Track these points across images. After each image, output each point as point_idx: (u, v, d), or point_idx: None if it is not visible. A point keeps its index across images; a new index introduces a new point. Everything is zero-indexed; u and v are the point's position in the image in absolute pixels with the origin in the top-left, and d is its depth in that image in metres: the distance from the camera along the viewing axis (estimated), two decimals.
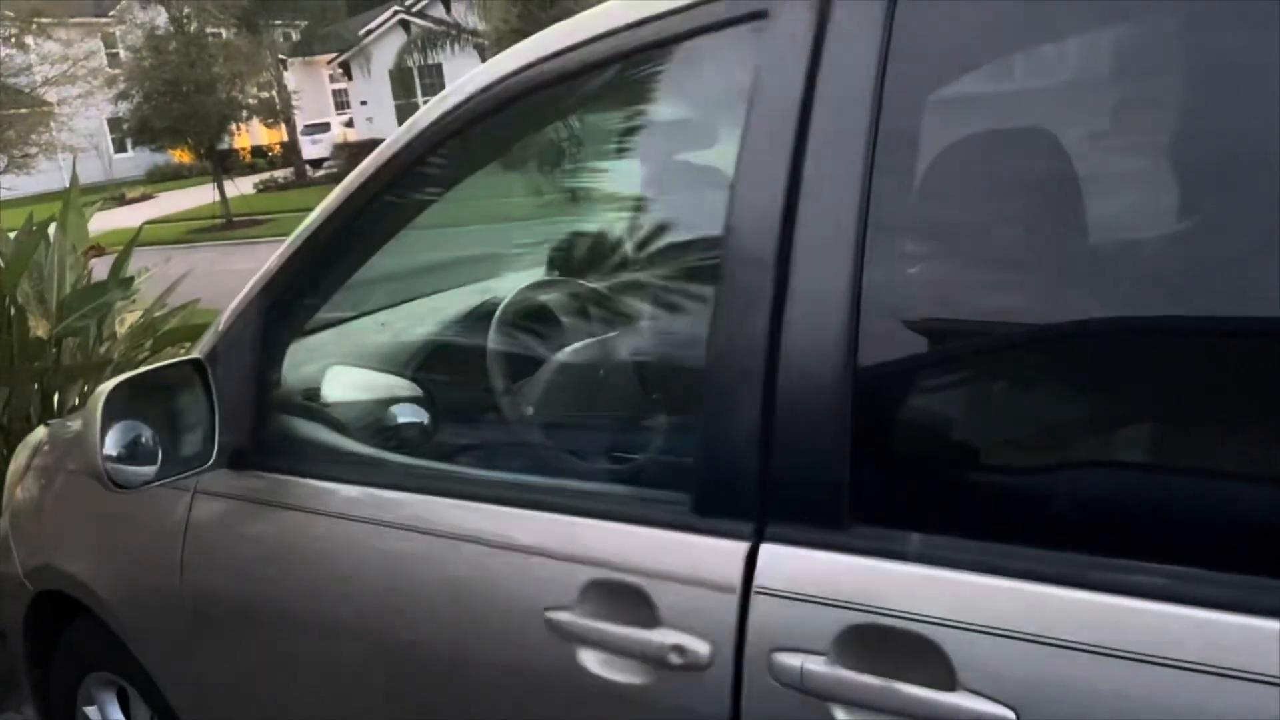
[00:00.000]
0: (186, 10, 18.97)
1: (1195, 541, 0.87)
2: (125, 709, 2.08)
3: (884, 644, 0.96)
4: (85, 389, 3.70)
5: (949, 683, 0.92)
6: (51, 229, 4.01)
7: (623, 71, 1.35)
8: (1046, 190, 1.05)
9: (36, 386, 3.57)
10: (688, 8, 1.19)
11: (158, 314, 4.08)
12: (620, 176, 1.78)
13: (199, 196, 21.46)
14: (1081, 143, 1.09)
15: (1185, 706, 0.82)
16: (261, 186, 24.45)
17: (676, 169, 1.63)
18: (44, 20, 17.64)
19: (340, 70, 32.29)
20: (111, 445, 1.49)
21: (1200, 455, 0.94)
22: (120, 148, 30.69)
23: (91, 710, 2.12)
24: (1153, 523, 0.91)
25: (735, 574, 1.06)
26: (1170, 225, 1.03)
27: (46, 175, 19.42)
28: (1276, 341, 0.89)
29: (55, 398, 3.65)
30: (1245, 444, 0.91)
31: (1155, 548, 0.88)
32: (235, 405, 1.59)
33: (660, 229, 1.67)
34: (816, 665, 0.99)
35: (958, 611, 0.93)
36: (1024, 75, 1.14)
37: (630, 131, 1.63)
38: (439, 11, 28.71)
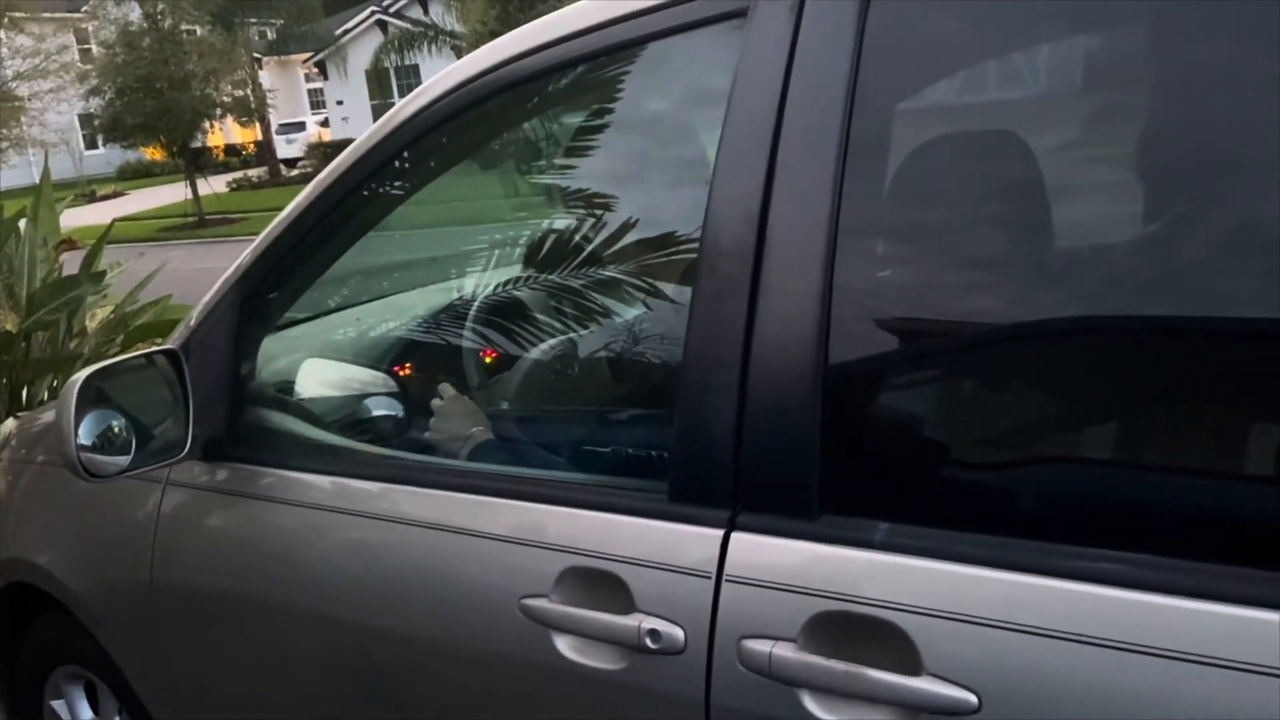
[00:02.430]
0: (161, 6, 18.78)
1: (1155, 529, 0.90)
2: (94, 703, 2.07)
3: (851, 630, 0.98)
4: (54, 383, 3.67)
5: (914, 667, 0.94)
6: (22, 223, 3.98)
7: (601, 69, 1.36)
8: (1013, 192, 1.08)
9: (5, 380, 3.54)
10: (667, 5, 1.21)
11: (129, 309, 4.05)
12: (597, 173, 1.79)
13: (171, 194, 21.27)
14: (1049, 146, 1.11)
15: (1145, 690, 0.85)
16: (235, 185, 24.24)
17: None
18: (16, 14, 17.43)
19: (316, 70, 32.12)
20: (85, 434, 1.49)
21: (1159, 448, 0.96)
22: (91, 144, 30.33)
23: (59, 704, 2.10)
24: (1113, 512, 0.93)
25: (710, 560, 1.07)
26: (1133, 229, 1.06)
27: (16, 171, 19.17)
28: (1230, 341, 0.92)
29: (24, 391, 3.62)
30: (1202, 437, 0.94)
31: (1115, 535, 0.90)
32: (209, 396, 1.59)
33: (636, 225, 1.69)
34: (785, 652, 1.01)
35: (923, 598, 0.95)
36: (995, 79, 1.17)
37: (607, 128, 1.64)
38: (416, 12, 28.67)
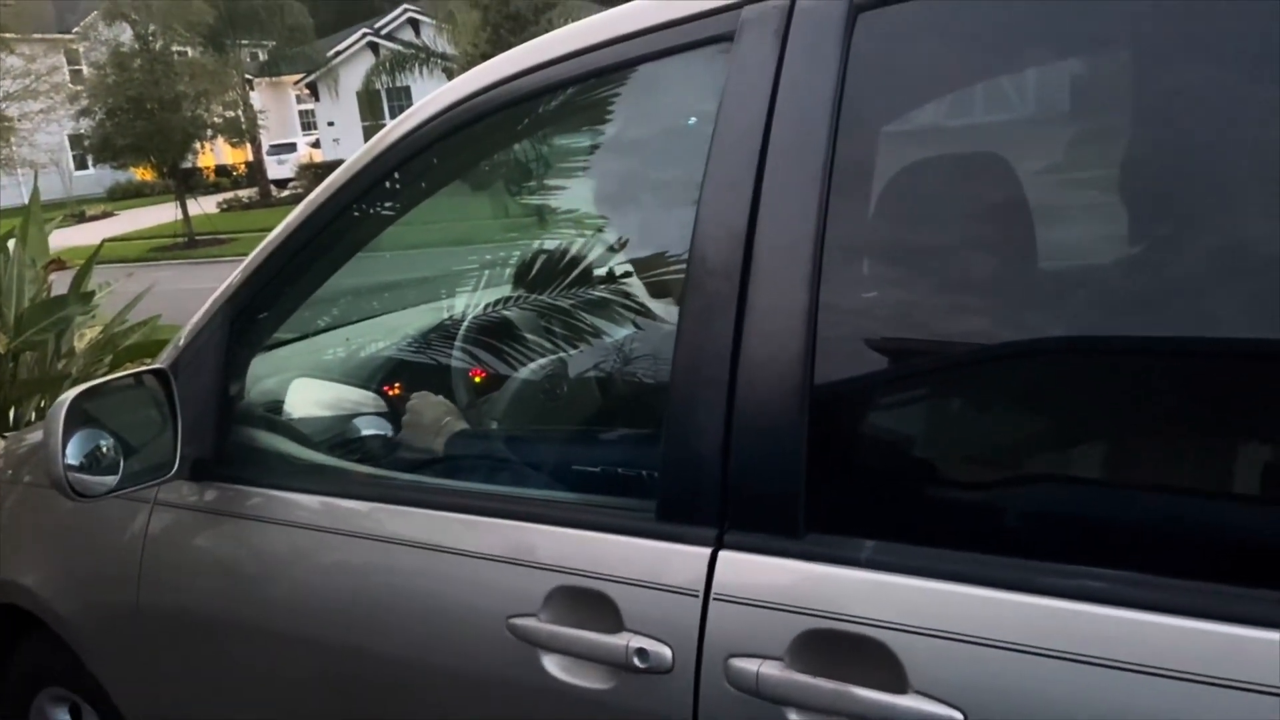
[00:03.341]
0: (152, 28, 18.82)
1: (1138, 547, 0.91)
2: None
3: (838, 648, 0.99)
4: (42, 404, 3.66)
5: (900, 685, 0.94)
6: (11, 243, 3.97)
7: (590, 91, 1.38)
8: (995, 213, 1.09)
9: None
10: (655, 29, 1.22)
11: (117, 329, 4.04)
12: (585, 195, 1.80)
13: (161, 215, 21.23)
14: (1030, 168, 1.13)
15: (1130, 707, 0.85)
16: (225, 206, 24.26)
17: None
18: (6, 35, 17.45)
19: (307, 91, 32.18)
20: (73, 454, 1.48)
21: (1141, 466, 0.97)
22: (81, 165, 30.27)
23: None
24: (1096, 529, 0.94)
25: (698, 579, 1.08)
26: (1114, 250, 1.07)
27: (5, 191, 19.12)
28: (1211, 360, 0.93)
29: (11, 412, 3.60)
30: (1184, 455, 0.95)
31: (1099, 553, 0.91)
32: (198, 416, 1.59)
33: (624, 246, 1.70)
34: (772, 670, 1.01)
35: (909, 616, 0.95)
36: (977, 102, 1.18)
37: (596, 150, 1.65)
38: (408, 34, 28.79)
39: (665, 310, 1.50)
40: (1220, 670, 0.82)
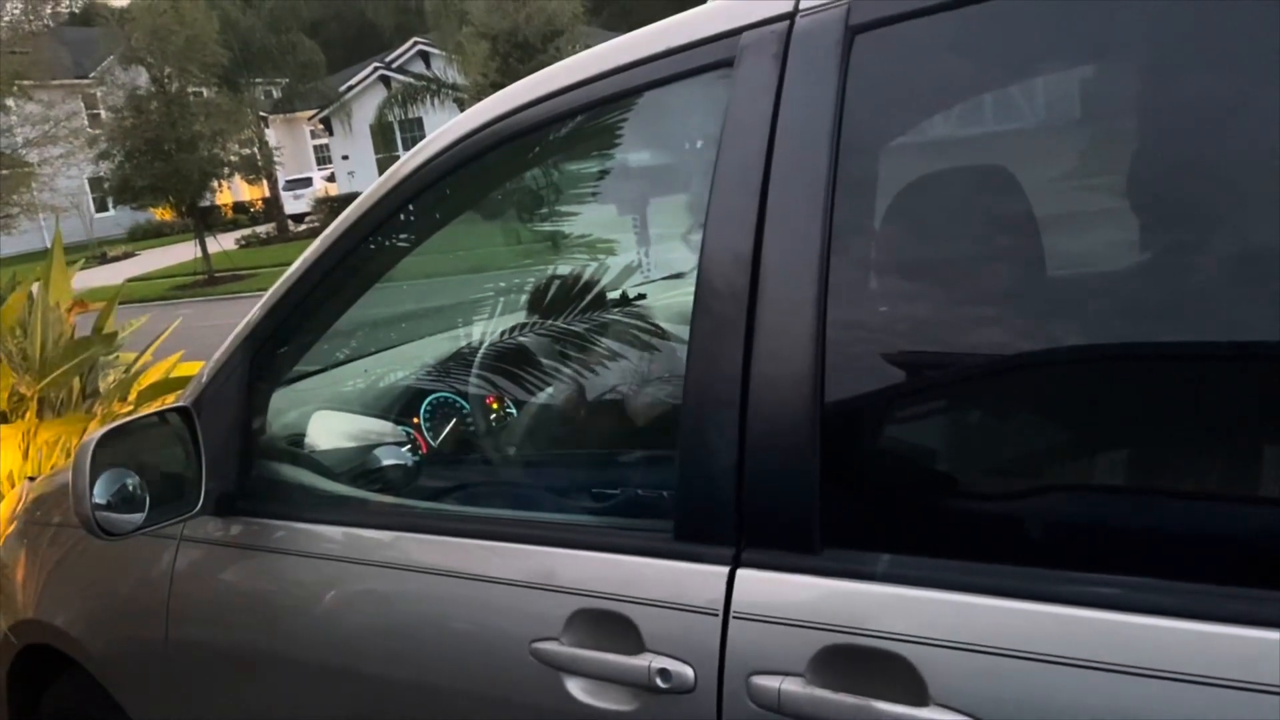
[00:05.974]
0: (168, 70, 19.10)
1: (1153, 553, 0.91)
2: None
3: (858, 663, 0.99)
4: (69, 444, 3.70)
5: (920, 698, 0.95)
6: (34, 287, 4.04)
7: (596, 119, 1.40)
8: (1001, 225, 1.10)
9: (21, 442, 3.56)
10: (658, 57, 1.24)
11: (141, 368, 4.09)
12: (595, 221, 1.82)
13: (181, 253, 21.47)
14: (1034, 179, 1.14)
15: (1148, 713, 0.85)
16: (244, 242, 24.51)
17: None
18: (25, 82, 17.72)
19: (321, 126, 32.53)
20: (100, 493, 1.51)
21: (1152, 473, 0.98)
22: (101, 207, 30.64)
23: None
24: (1111, 536, 0.94)
25: (717, 598, 1.09)
26: (1120, 259, 1.08)
27: (28, 235, 19.40)
28: (1219, 366, 0.94)
29: (39, 454, 3.64)
30: (1195, 460, 0.95)
31: (1114, 560, 0.91)
32: (221, 452, 1.62)
33: (634, 270, 1.72)
34: (794, 686, 1.02)
35: (927, 628, 0.96)
36: (975, 116, 1.20)
37: (604, 177, 1.68)
38: (419, 67, 29.04)
39: (677, 332, 1.51)
40: (1241, 674, 0.82)
